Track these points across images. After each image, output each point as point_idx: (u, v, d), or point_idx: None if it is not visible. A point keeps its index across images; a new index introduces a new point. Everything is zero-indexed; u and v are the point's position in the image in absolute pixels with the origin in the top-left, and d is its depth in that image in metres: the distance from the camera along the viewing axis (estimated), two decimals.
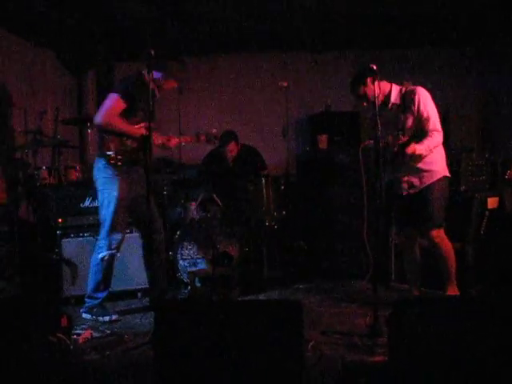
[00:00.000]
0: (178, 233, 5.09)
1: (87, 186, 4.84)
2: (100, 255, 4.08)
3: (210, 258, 4.68)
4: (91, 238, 4.67)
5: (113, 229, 4.05)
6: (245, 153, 6.02)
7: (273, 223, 5.11)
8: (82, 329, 3.82)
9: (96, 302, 4.15)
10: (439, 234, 3.95)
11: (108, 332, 3.82)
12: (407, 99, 3.90)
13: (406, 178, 3.99)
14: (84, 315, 4.16)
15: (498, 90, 6.55)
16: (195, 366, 2.49)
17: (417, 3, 5.50)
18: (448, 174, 4.02)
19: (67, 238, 4.65)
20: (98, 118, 3.89)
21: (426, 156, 3.84)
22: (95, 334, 3.74)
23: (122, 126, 3.91)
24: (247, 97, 7.24)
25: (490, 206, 4.61)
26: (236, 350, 2.48)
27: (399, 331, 2.52)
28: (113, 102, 3.90)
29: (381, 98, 3.88)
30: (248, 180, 5.26)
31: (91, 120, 5.36)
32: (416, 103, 3.85)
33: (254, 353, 2.48)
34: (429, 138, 3.81)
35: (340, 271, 5.32)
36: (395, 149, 3.80)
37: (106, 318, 4.11)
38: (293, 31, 6.37)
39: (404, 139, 3.76)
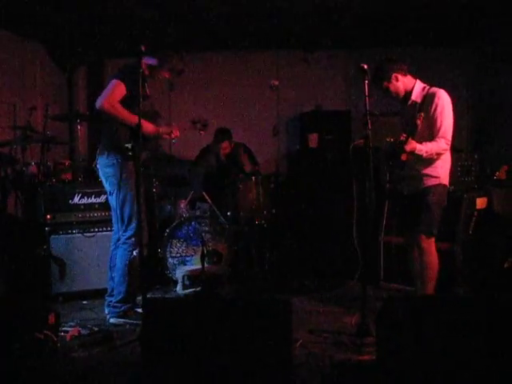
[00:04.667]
0: (167, 230, 5.07)
1: (76, 183, 4.83)
2: (135, 252, 3.95)
3: (199, 256, 4.66)
4: (80, 235, 4.66)
5: (139, 224, 3.87)
6: (236, 150, 6.03)
7: (262, 221, 5.11)
8: (69, 326, 3.80)
9: (120, 296, 4.02)
10: (428, 242, 3.82)
11: (96, 329, 3.80)
12: (427, 100, 3.79)
13: (408, 178, 3.89)
14: (114, 320, 3.99)
15: (488, 91, 6.58)
16: (183, 363, 2.49)
17: (409, 2, 5.52)
18: (447, 184, 3.91)
19: (56, 234, 4.62)
20: (100, 101, 3.80)
21: (426, 159, 3.76)
22: (83, 332, 3.72)
23: (123, 112, 3.80)
24: (238, 95, 7.23)
25: (478, 207, 4.64)
26: (224, 348, 2.48)
27: (387, 330, 2.53)
28: (114, 87, 3.83)
29: (402, 93, 3.88)
30: (238, 178, 5.26)
31: (81, 116, 5.37)
32: (433, 106, 3.74)
33: (242, 351, 2.48)
34: (433, 143, 3.72)
35: (329, 270, 5.33)
36: (401, 137, 3.69)
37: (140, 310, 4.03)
38: (285, 30, 6.37)
39: (403, 136, 3.65)
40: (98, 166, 4.07)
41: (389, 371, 2.45)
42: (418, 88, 3.87)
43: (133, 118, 3.73)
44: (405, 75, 3.85)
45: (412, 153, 3.66)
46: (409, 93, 3.88)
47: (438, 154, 3.79)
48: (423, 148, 3.67)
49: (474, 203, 4.61)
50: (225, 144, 5.91)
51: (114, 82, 3.85)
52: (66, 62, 7.03)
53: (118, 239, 4.04)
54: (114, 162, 3.92)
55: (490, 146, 6.08)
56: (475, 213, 4.61)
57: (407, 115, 3.88)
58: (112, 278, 4.08)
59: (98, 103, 3.80)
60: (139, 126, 3.45)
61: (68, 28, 6.05)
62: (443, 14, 5.81)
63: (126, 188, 3.92)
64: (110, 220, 4.20)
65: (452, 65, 6.82)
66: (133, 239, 3.95)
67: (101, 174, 4.06)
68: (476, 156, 4.88)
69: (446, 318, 2.46)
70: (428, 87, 3.86)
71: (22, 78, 6.12)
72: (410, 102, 3.88)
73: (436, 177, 3.83)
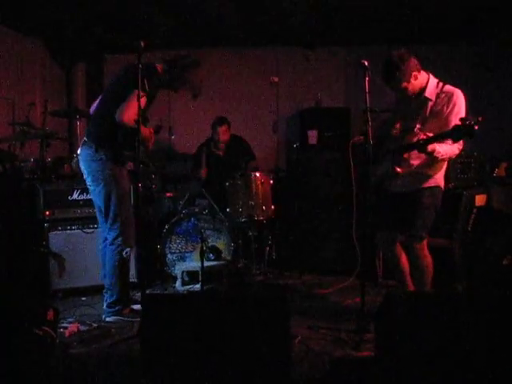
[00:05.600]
0: (167, 226, 5.08)
1: (75, 179, 4.82)
2: (124, 253, 3.93)
3: (199, 252, 4.67)
4: (79, 231, 4.66)
5: (125, 222, 3.94)
6: (233, 143, 6.06)
7: (261, 218, 5.11)
8: (68, 322, 3.81)
9: (114, 297, 3.99)
10: (420, 246, 3.74)
11: (95, 325, 3.81)
12: (442, 98, 3.60)
13: (402, 175, 3.67)
14: (110, 318, 3.97)
15: (486, 88, 6.57)
16: (182, 359, 2.49)
17: None
18: (442, 187, 3.78)
19: (55, 230, 4.62)
20: (122, 115, 3.68)
21: (426, 158, 3.58)
22: (82, 328, 3.73)
23: (142, 126, 3.69)
24: (238, 91, 7.22)
25: (477, 204, 4.63)
26: (222, 345, 2.48)
27: (386, 327, 2.53)
28: (135, 100, 3.61)
29: (418, 91, 3.66)
30: (237, 174, 5.26)
31: (80, 112, 5.36)
32: (450, 107, 3.55)
33: (241, 347, 2.48)
34: (448, 146, 3.49)
35: (328, 267, 5.33)
36: (414, 138, 3.50)
37: (137, 306, 4.04)
38: (285, 27, 6.36)
39: (424, 135, 3.43)
40: (80, 157, 3.99)
41: (387, 368, 2.45)
42: (431, 84, 3.66)
43: (143, 130, 3.75)
44: (420, 72, 3.65)
45: (430, 154, 3.46)
46: (422, 90, 3.67)
47: (450, 158, 3.67)
48: (441, 150, 3.47)
49: (473, 200, 4.61)
50: (224, 127, 5.96)
51: (136, 93, 3.62)
52: (65, 57, 7.01)
53: (106, 238, 4.01)
54: (102, 157, 3.86)
55: (489, 142, 6.07)
56: (474, 210, 4.60)
57: (412, 108, 3.73)
58: (105, 276, 4.07)
59: (121, 116, 3.69)
60: (138, 129, 3.48)
61: (67, 24, 6.04)
62: (443, 11, 5.81)
63: (111, 186, 3.88)
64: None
65: (452, 62, 6.80)
66: (119, 239, 3.92)
67: (83, 167, 3.98)
68: (475, 153, 4.87)
69: (445, 314, 2.47)
70: (442, 84, 3.67)
71: (21, 74, 6.11)
72: (421, 98, 3.68)
73: (434, 177, 3.71)
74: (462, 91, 3.65)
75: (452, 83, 3.71)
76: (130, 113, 3.66)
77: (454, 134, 3.26)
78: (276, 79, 5.57)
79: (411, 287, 3.95)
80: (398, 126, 3.70)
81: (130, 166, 4.07)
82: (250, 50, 7.22)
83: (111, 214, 3.92)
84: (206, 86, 6.97)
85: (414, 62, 3.62)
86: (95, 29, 6.26)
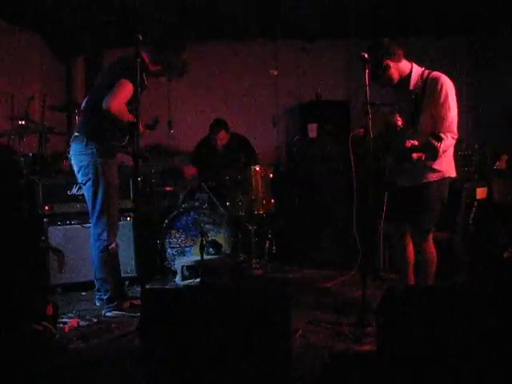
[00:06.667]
0: (166, 221, 5.07)
1: (74, 174, 4.80)
2: (110, 247, 3.90)
3: (198, 247, 4.66)
4: (78, 225, 4.64)
5: (112, 217, 3.93)
6: (235, 142, 6.01)
7: (261, 212, 5.10)
8: (68, 317, 3.80)
9: (108, 293, 3.98)
10: (426, 239, 3.72)
11: (95, 320, 3.80)
12: (429, 87, 3.49)
13: (406, 169, 3.63)
14: (110, 313, 3.94)
15: (487, 81, 6.55)
16: (181, 354, 2.48)
17: None
18: (451, 175, 3.70)
19: (54, 225, 4.61)
20: (108, 103, 3.63)
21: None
22: (82, 323, 3.71)
23: (127, 115, 3.69)
24: (237, 84, 7.20)
25: (478, 197, 4.63)
26: (222, 339, 2.47)
27: (387, 321, 2.52)
28: (123, 88, 3.67)
29: (395, 80, 3.61)
30: (237, 168, 5.24)
31: (79, 106, 5.33)
32: (436, 95, 3.46)
33: (241, 342, 2.47)
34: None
35: (329, 261, 5.33)
36: (406, 143, 3.43)
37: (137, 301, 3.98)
38: (284, 19, 6.33)
39: (411, 143, 3.38)
40: (71, 152, 3.96)
41: (389, 362, 2.44)
42: (415, 74, 3.59)
43: (130, 118, 3.69)
44: (398, 61, 3.57)
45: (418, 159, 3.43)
46: (405, 79, 3.61)
47: (444, 152, 3.56)
48: (429, 156, 3.43)
49: (474, 193, 4.61)
50: (221, 134, 5.89)
51: (123, 82, 3.67)
52: (64, 52, 6.99)
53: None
54: (93, 150, 3.82)
55: (490, 135, 6.06)
56: (475, 203, 4.59)
57: (404, 104, 3.67)
58: (95, 273, 4.04)
59: (106, 104, 3.63)
60: (137, 123, 3.41)
61: (66, 18, 6.02)
62: (443, 5, 5.79)
63: (99, 180, 3.85)
64: None
65: (452, 55, 6.78)
66: (104, 234, 3.90)
67: (74, 161, 3.95)
68: (476, 146, 4.86)
69: (446, 308, 2.45)
70: (427, 72, 3.59)
71: (20, 68, 6.09)
72: (407, 90, 3.61)
73: (439, 171, 3.63)
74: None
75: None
76: (117, 101, 3.64)
77: (425, 150, 3.37)
78: (275, 72, 5.56)
79: (412, 280, 3.94)
80: (399, 121, 3.63)
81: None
82: (249, 43, 7.19)
83: (97, 209, 3.90)
84: (205, 79, 7.02)
85: (389, 50, 3.57)
86: (94, 23, 6.23)
